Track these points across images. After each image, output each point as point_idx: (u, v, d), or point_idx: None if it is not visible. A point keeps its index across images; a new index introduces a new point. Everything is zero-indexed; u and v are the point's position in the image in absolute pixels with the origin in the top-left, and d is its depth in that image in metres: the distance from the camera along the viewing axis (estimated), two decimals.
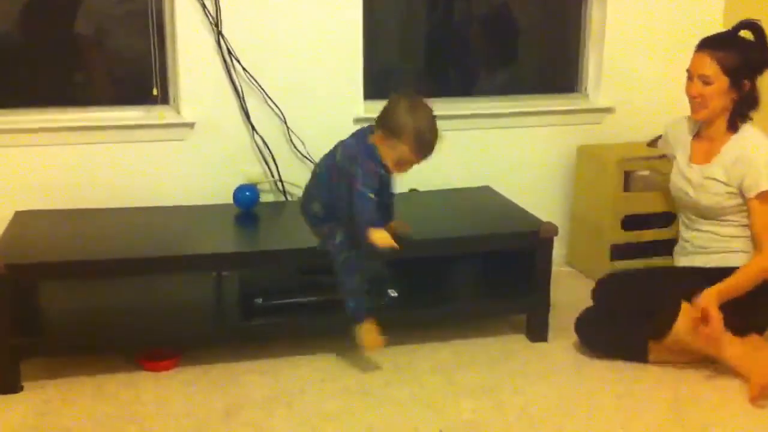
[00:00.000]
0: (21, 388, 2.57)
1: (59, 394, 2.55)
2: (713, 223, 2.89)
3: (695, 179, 2.92)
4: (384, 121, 2.55)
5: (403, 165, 2.60)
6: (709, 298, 2.67)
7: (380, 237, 2.48)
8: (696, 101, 2.85)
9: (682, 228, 3.04)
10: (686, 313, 2.70)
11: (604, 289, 2.93)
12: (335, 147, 2.70)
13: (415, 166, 3.40)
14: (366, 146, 2.58)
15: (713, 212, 2.88)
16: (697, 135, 2.97)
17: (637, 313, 2.78)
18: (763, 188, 2.75)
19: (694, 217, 2.96)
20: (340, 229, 2.63)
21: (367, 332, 2.63)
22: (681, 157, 3.01)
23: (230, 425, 2.40)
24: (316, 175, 2.74)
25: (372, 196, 2.53)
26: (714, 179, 2.86)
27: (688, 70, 2.87)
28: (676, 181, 3.01)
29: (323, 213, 2.68)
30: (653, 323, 2.75)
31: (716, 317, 2.63)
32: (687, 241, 3.00)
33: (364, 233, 2.49)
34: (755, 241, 2.81)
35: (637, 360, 2.81)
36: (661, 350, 2.79)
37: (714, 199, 2.86)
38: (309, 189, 2.75)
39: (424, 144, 2.54)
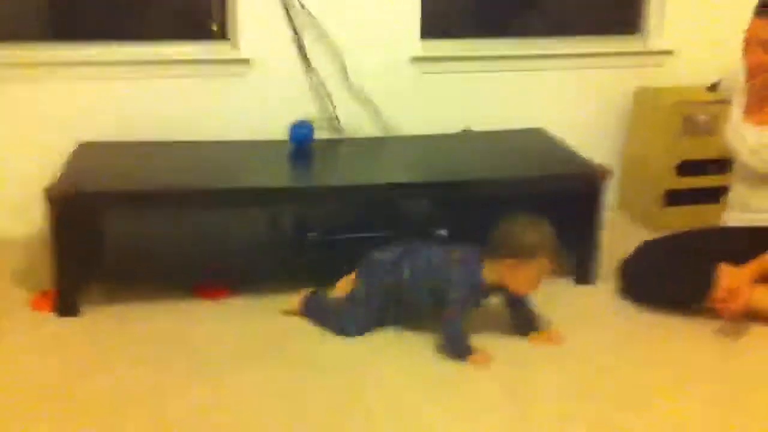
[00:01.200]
0: (78, 312, 2.65)
1: (116, 319, 2.63)
2: (766, 184, 2.81)
3: (750, 141, 2.81)
4: (512, 249, 2.41)
5: (538, 281, 2.49)
6: (743, 276, 2.64)
7: (478, 360, 2.44)
8: (755, 71, 2.72)
9: (735, 180, 2.96)
10: (726, 276, 2.65)
11: (632, 267, 2.88)
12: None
13: (470, 106, 3.47)
14: (474, 275, 2.47)
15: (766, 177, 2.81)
16: (752, 90, 2.84)
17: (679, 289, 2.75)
18: None
19: (745, 175, 2.87)
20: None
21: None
22: (736, 110, 2.90)
23: (282, 353, 2.47)
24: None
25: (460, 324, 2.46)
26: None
27: (747, 40, 2.72)
28: (731, 135, 2.90)
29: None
30: (685, 296, 2.74)
31: (743, 297, 2.61)
32: (738, 198, 2.92)
33: (454, 345, 2.46)
34: None
35: (691, 304, 2.75)
36: None
37: None
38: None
39: (554, 253, 2.46)
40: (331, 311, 2.62)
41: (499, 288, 2.51)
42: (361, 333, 2.57)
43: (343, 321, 2.58)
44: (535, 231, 2.43)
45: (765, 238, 2.73)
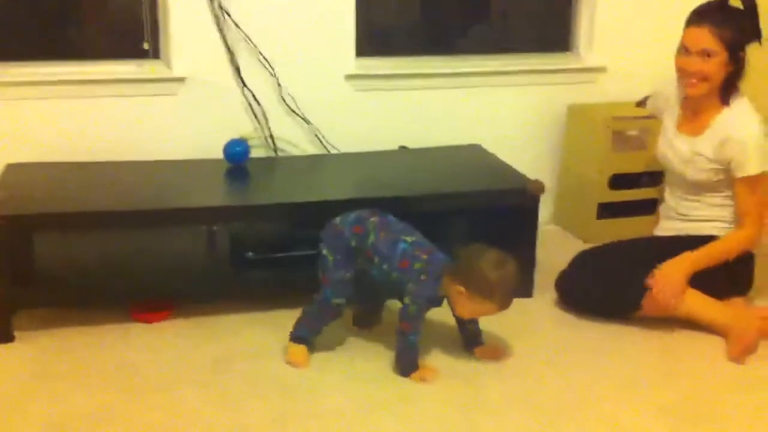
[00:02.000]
0: (13, 338, 2.59)
1: (53, 344, 2.58)
2: (698, 192, 2.91)
3: (683, 152, 2.90)
4: (470, 280, 2.38)
5: (479, 314, 2.51)
6: (678, 265, 2.74)
7: (424, 377, 2.45)
8: (694, 77, 2.78)
9: (667, 190, 3.06)
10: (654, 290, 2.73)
11: (567, 280, 2.94)
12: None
13: (406, 123, 3.48)
14: (432, 289, 2.45)
15: (699, 185, 2.89)
16: (685, 103, 2.94)
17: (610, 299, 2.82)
18: (750, 172, 2.76)
19: (683, 188, 2.96)
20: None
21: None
22: (668, 123, 3.00)
23: (222, 375, 2.44)
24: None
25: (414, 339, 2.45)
26: (702, 155, 2.85)
27: (684, 46, 2.80)
28: (664, 149, 2.99)
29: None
30: (621, 303, 2.80)
31: (676, 285, 2.70)
32: (671, 207, 3.02)
33: (404, 358, 2.47)
34: (738, 219, 2.84)
35: (627, 312, 2.81)
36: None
37: (701, 174, 2.86)
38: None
39: (510, 300, 2.44)
40: (312, 308, 2.54)
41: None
42: (346, 297, 2.51)
43: (325, 300, 2.50)
44: (501, 272, 2.38)
45: (694, 246, 2.80)
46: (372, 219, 2.52)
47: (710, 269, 2.77)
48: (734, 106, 2.82)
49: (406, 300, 2.44)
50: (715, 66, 2.75)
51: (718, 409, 2.34)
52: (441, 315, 2.60)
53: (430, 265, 2.45)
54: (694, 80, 2.79)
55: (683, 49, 2.81)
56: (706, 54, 2.74)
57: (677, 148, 2.93)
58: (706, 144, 2.84)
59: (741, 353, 2.62)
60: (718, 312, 2.74)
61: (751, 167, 2.76)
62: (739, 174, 2.78)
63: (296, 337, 2.55)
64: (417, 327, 2.45)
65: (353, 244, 2.49)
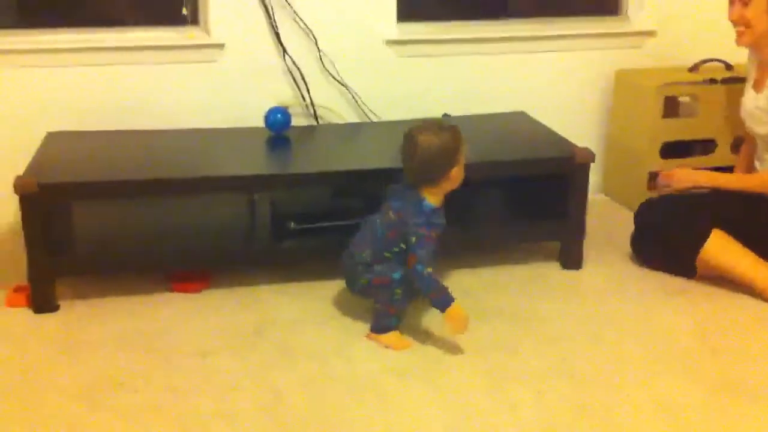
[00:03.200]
0: (57, 307, 2.59)
1: (91, 312, 2.57)
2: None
3: (748, 108, 2.90)
4: (447, 163, 2.37)
5: (460, 179, 2.45)
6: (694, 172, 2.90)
7: (458, 318, 2.35)
8: (737, 25, 2.82)
9: (756, 161, 2.98)
10: (717, 238, 2.71)
11: (643, 215, 2.94)
12: (385, 207, 2.47)
13: (449, 90, 3.40)
14: (418, 209, 2.39)
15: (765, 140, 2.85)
16: (758, 65, 2.92)
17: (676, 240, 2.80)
18: None
19: (757, 144, 2.93)
20: (400, 268, 2.43)
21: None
22: (747, 84, 2.97)
23: (258, 343, 2.42)
24: (371, 231, 2.47)
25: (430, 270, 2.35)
26: (762, 109, 2.82)
27: None
28: (742, 112, 2.98)
29: (372, 259, 2.45)
30: (682, 247, 2.78)
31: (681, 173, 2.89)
32: (755, 168, 2.97)
33: (437, 297, 2.36)
34: None
35: (686, 275, 2.82)
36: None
37: (763, 128, 2.82)
38: (362, 239, 2.50)
39: (462, 142, 2.41)
40: (397, 295, 2.43)
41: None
42: (407, 298, 2.44)
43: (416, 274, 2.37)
44: (437, 136, 2.36)
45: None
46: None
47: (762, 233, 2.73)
48: None
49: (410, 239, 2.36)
50: (755, 11, 2.76)
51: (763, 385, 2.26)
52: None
53: (405, 198, 2.41)
54: (739, 28, 2.81)
55: (729, 1, 2.83)
56: (745, 1, 2.76)
57: (745, 105, 2.93)
58: (763, 97, 2.82)
59: None
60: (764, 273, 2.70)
61: None
62: None
63: (385, 327, 2.46)
64: (424, 259, 2.34)
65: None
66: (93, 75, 3.11)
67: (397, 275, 2.41)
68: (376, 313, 2.47)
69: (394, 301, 2.43)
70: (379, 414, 2.09)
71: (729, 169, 3.16)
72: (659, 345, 2.46)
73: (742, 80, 3.06)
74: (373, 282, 2.44)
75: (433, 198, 2.42)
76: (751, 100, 2.90)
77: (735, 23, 2.84)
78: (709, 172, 2.91)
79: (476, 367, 2.30)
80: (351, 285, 2.52)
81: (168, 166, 2.79)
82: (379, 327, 2.46)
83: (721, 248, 2.73)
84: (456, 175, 2.41)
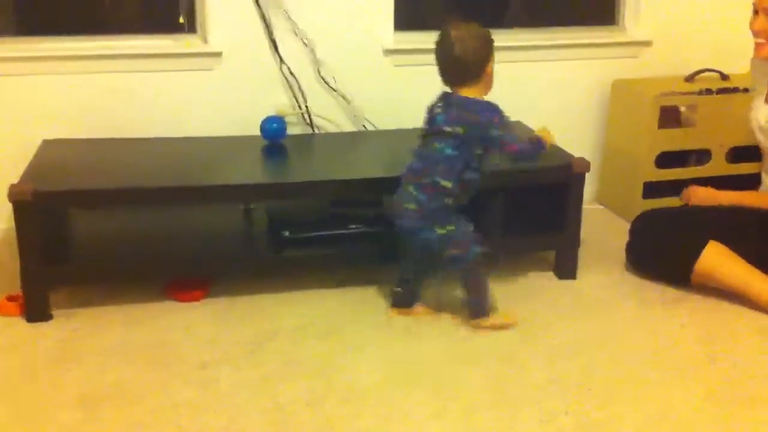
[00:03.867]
0: (50, 317, 2.57)
1: (88, 322, 2.56)
2: None
3: (762, 122, 2.87)
4: (471, 59, 2.43)
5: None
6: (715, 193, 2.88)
7: (547, 134, 2.55)
8: (760, 36, 2.76)
9: (763, 173, 2.99)
10: (712, 249, 2.71)
11: (638, 228, 2.94)
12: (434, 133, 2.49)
13: None
14: (480, 106, 2.46)
15: None
16: None
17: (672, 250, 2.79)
18: None
19: None
20: (462, 218, 2.48)
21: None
22: (758, 99, 2.94)
23: (259, 354, 2.40)
24: (433, 162, 2.45)
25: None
26: None
27: (753, 4, 2.77)
28: (750, 120, 2.96)
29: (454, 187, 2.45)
30: (678, 259, 2.77)
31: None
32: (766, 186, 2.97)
33: (538, 150, 2.52)
34: None
35: (681, 283, 2.82)
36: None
37: None
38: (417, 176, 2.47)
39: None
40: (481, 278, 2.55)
41: None
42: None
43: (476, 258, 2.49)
44: (471, 26, 2.44)
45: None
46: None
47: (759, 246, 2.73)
48: None
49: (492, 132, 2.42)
50: None
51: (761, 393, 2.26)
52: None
53: (465, 103, 2.46)
54: (761, 39, 2.76)
55: (752, 11, 2.78)
56: None
57: (758, 120, 2.90)
58: None
59: None
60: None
61: None
62: None
63: (488, 310, 2.54)
64: (513, 138, 2.49)
65: None
66: (90, 83, 3.10)
67: (471, 227, 2.48)
68: (472, 297, 2.53)
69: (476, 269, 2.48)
70: (382, 427, 2.08)
71: (724, 179, 3.18)
72: (658, 354, 2.46)
73: (737, 90, 3.07)
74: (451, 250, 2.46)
75: (481, 94, 2.48)
76: (764, 114, 2.88)
77: (756, 34, 2.78)
78: (730, 193, 2.91)
79: (478, 378, 2.30)
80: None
81: (164, 174, 2.78)
82: (480, 310, 2.52)
83: (717, 260, 2.73)
84: (492, 73, 2.46)
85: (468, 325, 2.56)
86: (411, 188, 2.47)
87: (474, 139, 2.44)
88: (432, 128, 2.50)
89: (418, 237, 2.49)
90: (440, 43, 2.45)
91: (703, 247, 2.73)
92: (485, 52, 2.44)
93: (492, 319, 2.55)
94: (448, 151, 2.44)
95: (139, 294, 2.70)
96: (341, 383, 2.26)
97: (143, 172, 2.79)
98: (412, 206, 2.45)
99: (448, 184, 2.44)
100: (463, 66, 2.43)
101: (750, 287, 2.70)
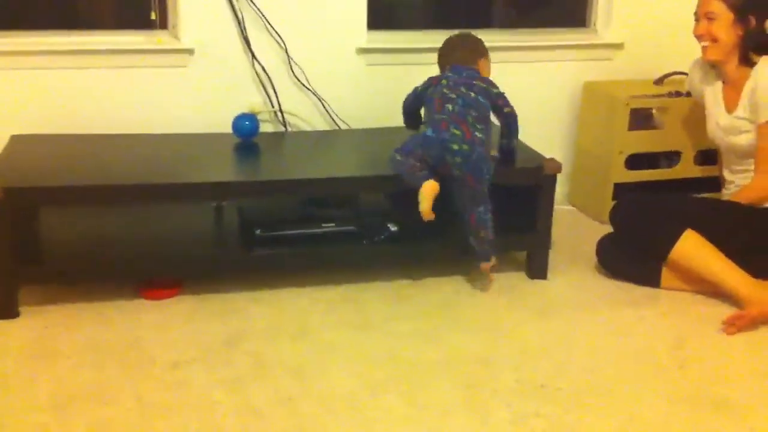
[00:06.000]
0: (17, 314, 2.54)
1: (59, 320, 2.53)
2: (750, 161, 2.94)
3: (726, 125, 2.97)
4: (478, 48, 2.94)
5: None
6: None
7: None
8: (703, 40, 2.90)
9: (725, 172, 3.08)
10: (690, 238, 2.75)
11: (618, 211, 2.97)
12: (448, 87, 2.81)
13: None
14: (488, 81, 2.87)
15: (748, 152, 2.92)
16: (725, 82, 2.99)
17: (650, 236, 2.84)
18: None
19: (736, 159, 2.99)
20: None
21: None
22: (712, 103, 3.04)
23: (231, 354, 2.40)
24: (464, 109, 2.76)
25: None
26: (740, 118, 2.91)
27: (695, 13, 2.92)
28: (711, 128, 3.06)
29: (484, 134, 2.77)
30: (655, 244, 2.81)
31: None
32: (731, 183, 3.04)
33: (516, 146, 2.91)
34: (756, 166, 2.90)
35: (650, 285, 2.87)
36: (674, 277, 2.84)
37: (746, 136, 2.90)
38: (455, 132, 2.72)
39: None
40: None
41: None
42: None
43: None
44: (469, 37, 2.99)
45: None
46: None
47: (754, 247, 2.78)
48: (760, 63, 2.88)
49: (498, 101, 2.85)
50: (721, 27, 2.85)
51: (736, 397, 2.29)
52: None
53: (461, 72, 2.87)
54: (705, 43, 2.90)
55: (695, 19, 2.93)
56: (711, 17, 2.86)
57: (721, 124, 2.99)
58: (741, 105, 2.91)
59: (740, 323, 2.60)
60: (743, 284, 2.70)
61: None
62: (763, 118, 2.83)
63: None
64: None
65: None
66: (60, 78, 3.06)
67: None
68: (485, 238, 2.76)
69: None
70: (355, 430, 2.08)
71: (695, 181, 3.27)
72: (627, 356, 2.48)
73: None
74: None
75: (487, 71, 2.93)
76: (725, 117, 2.97)
77: (700, 38, 2.91)
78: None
79: (450, 381, 2.30)
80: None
81: (135, 171, 2.76)
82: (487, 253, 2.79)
83: (693, 248, 2.76)
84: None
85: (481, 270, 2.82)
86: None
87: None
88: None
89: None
90: (446, 47, 2.97)
91: (680, 234, 2.76)
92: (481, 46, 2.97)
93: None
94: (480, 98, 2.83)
95: (110, 292, 2.68)
96: (314, 385, 2.26)
97: (114, 169, 2.77)
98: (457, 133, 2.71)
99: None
100: (473, 44, 2.95)
101: (726, 280, 2.72)
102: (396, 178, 2.71)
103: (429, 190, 2.64)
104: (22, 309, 2.56)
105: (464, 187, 2.69)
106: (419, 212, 2.65)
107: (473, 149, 2.67)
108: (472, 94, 2.77)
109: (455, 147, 2.66)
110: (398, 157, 2.73)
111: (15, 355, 2.36)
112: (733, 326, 2.60)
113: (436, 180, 2.66)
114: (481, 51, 2.93)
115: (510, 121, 2.84)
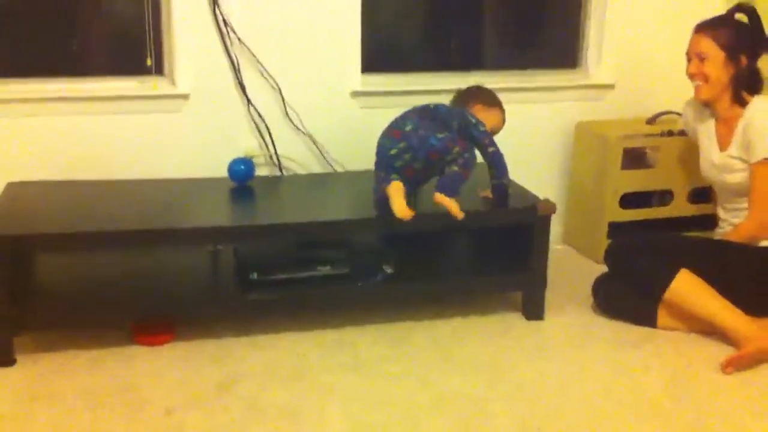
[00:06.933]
0: (14, 361, 2.54)
1: (53, 367, 2.53)
2: (744, 199, 2.95)
3: (719, 163, 3.00)
4: (480, 96, 2.98)
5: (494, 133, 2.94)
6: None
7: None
8: (695, 79, 2.94)
9: (720, 210, 3.10)
10: (684, 277, 2.76)
11: (612, 252, 2.98)
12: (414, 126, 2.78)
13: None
14: (470, 114, 2.87)
15: (742, 190, 2.94)
16: (717, 120, 3.02)
17: (645, 276, 2.85)
18: (764, 155, 2.83)
19: (730, 197, 3.01)
20: None
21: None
22: (707, 142, 3.07)
23: (225, 398, 2.39)
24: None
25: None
26: (734, 157, 2.93)
27: (687, 53, 2.96)
28: (705, 166, 3.09)
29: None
30: (650, 284, 2.82)
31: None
32: (725, 221, 3.05)
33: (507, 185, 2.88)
34: (750, 205, 2.90)
35: (646, 325, 2.87)
36: (670, 316, 2.84)
37: (740, 175, 2.92)
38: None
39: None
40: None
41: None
42: None
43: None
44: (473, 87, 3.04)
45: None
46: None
47: (748, 286, 2.78)
48: (752, 102, 2.92)
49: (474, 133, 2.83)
50: (713, 67, 2.90)
51: None
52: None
53: (450, 107, 2.92)
54: (697, 82, 2.94)
55: (687, 59, 2.97)
56: (703, 56, 2.90)
57: (716, 162, 3.02)
58: (734, 144, 2.93)
59: (737, 363, 2.60)
60: (739, 322, 2.70)
61: (764, 150, 2.83)
62: (755, 158, 2.85)
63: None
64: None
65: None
66: (56, 125, 3.09)
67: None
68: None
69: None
70: None
71: (689, 219, 3.31)
72: (623, 396, 2.47)
73: None
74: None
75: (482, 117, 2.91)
76: (718, 155, 3.00)
77: (693, 77, 2.95)
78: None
79: (446, 423, 2.29)
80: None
81: (131, 217, 2.77)
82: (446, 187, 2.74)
83: (688, 287, 2.77)
84: (494, 119, 2.99)
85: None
86: None
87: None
88: None
89: None
90: (441, 107, 2.89)
91: (674, 274, 2.77)
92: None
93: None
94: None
95: (104, 338, 2.68)
96: (309, 428, 2.25)
97: (110, 215, 2.78)
98: None
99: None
100: (470, 92, 3.01)
101: (722, 318, 2.72)
102: (390, 220, 2.71)
103: (394, 189, 2.70)
104: (18, 356, 2.56)
105: (434, 171, 2.77)
106: (396, 218, 2.66)
107: (408, 140, 2.73)
108: (426, 120, 2.78)
109: (393, 152, 2.74)
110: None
111: (11, 401, 2.35)
112: (731, 366, 2.60)
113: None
114: (482, 99, 2.97)
115: (496, 159, 2.84)
